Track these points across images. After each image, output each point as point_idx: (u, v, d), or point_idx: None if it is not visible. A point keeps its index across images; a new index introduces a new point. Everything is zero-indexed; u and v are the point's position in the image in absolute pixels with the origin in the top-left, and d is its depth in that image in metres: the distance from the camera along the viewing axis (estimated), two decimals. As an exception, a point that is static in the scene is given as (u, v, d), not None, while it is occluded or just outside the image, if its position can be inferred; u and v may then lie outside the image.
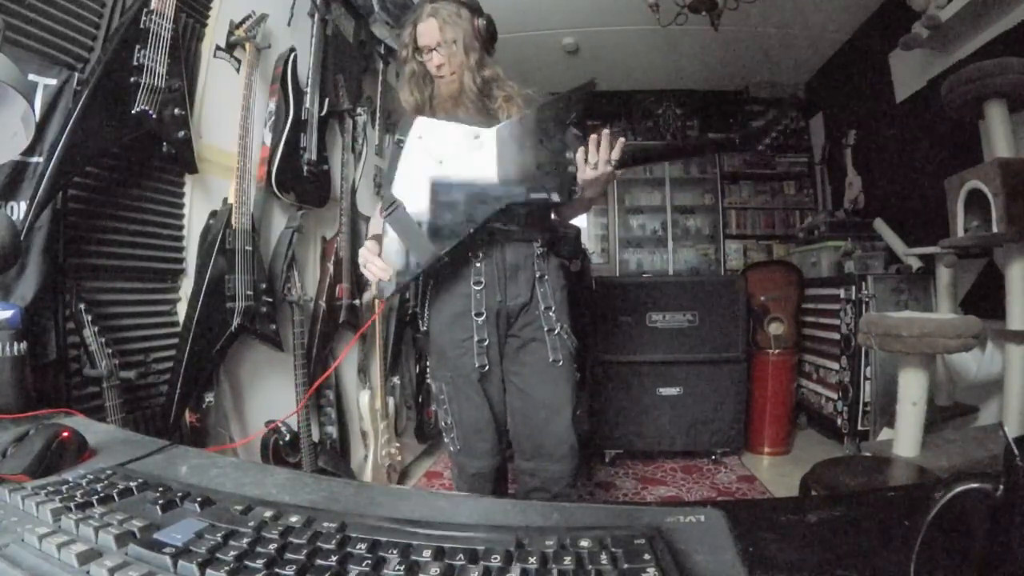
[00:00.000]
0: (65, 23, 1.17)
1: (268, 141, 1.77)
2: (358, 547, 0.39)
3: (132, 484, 0.49)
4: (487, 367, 1.29)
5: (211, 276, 1.45)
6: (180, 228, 1.49)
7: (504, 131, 1.17)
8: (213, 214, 1.54)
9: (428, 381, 2.41)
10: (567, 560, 0.37)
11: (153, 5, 1.26)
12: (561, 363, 1.30)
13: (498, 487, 1.40)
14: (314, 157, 1.90)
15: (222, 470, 0.60)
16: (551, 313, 1.29)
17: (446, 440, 1.38)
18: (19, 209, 1.06)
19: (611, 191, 4.38)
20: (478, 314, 1.27)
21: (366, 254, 1.22)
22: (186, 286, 1.48)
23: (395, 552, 0.38)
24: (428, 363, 1.74)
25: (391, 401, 2.53)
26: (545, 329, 1.29)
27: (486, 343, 1.28)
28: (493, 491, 1.38)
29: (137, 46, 1.23)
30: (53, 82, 1.11)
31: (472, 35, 1.27)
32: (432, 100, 1.32)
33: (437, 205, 1.18)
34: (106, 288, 1.29)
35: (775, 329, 2.98)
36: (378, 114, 2.50)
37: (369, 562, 0.37)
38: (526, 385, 1.31)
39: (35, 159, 1.08)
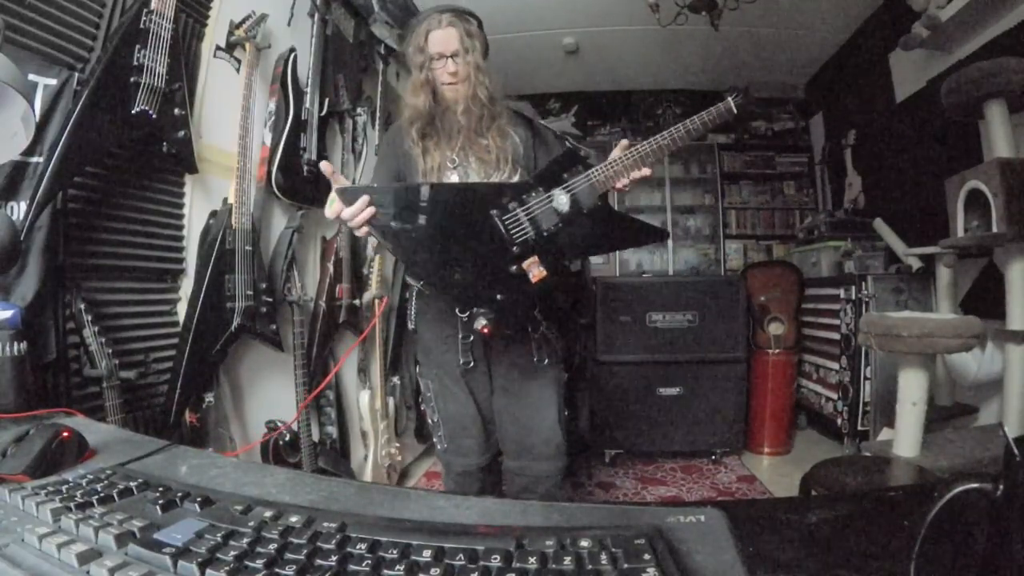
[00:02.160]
0: (65, 23, 1.17)
1: (268, 141, 1.77)
2: (358, 547, 0.39)
3: (132, 484, 0.49)
4: (471, 363, 1.29)
5: (211, 276, 1.46)
6: (180, 228, 1.50)
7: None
8: (213, 214, 1.54)
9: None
10: (567, 560, 0.37)
11: (153, 5, 1.26)
12: (546, 363, 1.30)
13: (489, 486, 1.40)
14: (314, 157, 1.90)
15: (222, 470, 0.60)
16: (535, 313, 1.29)
17: (434, 439, 1.39)
18: (19, 209, 1.06)
19: (611, 192, 4.37)
20: (462, 311, 1.27)
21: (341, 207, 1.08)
22: (186, 286, 1.49)
23: (395, 552, 0.38)
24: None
25: (391, 401, 2.52)
26: (529, 329, 1.29)
27: (470, 340, 1.29)
28: (482, 490, 1.38)
29: (137, 46, 1.23)
30: (53, 82, 1.11)
31: (482, 45, 1.28)
32: (434, 108, 1.30)
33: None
34: (106, 288, 1.29)
35: (775, 329, 2.97)
36: (378, 114, 2.50)
37: (369, 562, 0.37)
38: (511, 385, 1.32)
39: (35, 159, 1.08)
